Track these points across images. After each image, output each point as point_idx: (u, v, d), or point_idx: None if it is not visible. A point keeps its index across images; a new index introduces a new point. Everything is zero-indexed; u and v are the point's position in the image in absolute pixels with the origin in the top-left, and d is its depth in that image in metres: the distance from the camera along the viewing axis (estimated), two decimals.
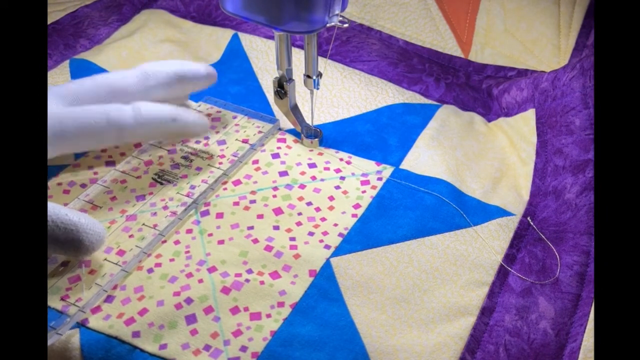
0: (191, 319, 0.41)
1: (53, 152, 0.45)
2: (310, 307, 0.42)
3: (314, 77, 0.51)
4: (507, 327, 0.42)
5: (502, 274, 0.45)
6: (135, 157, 0.52)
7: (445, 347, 0.40)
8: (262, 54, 0.64)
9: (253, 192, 0.50)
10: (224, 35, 0.66)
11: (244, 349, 0.39)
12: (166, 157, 0.52)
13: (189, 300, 0.41)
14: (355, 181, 0.51)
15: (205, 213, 0.48)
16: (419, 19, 0.66)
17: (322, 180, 0.51)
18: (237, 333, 0.40)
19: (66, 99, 0.46)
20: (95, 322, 0.40)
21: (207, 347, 0.39)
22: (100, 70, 0.61)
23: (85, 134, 0.45)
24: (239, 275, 0.43)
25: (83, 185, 0.50)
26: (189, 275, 0.43)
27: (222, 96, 0.59)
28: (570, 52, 0.61)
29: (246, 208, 0.48)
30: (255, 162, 0.53)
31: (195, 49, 0.65)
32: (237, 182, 0.51)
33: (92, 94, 0.47)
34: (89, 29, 0.66)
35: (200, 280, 0.43)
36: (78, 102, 0.47)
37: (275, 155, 0.53)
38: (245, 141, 0.54)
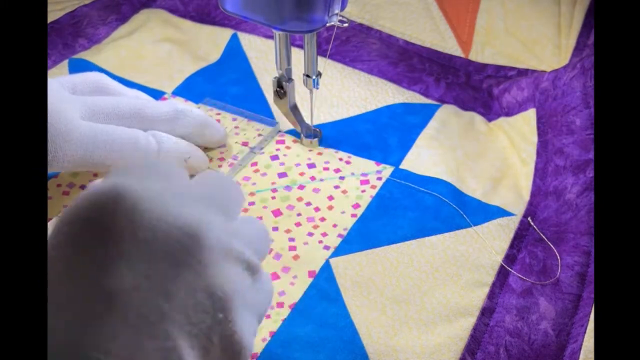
0: None
1: (74, 165, 0.43)
2: (310, 307, 0.42)
3: (314, 77, 0.51)
4: (507, 328, 0.42)
5: (502, 275, 0.45)
6: None
7: (445, 348, 0.40)
8: (262, 54, 0.64)
9: (252, 194, 0.50)
10: (223, 35, 0.66)
11: None
12: None
13: None
14: (355, 181, 0.51)
15: None
16: (419, 19, 0.66)
17: (321, 180, 0.51)
18: None
19: (89, 112, 0.44)
20: None
21: None
22: (100, 69, 0.61)
23: (113, 156, 0.43)
24: None
25: (82, 187, 0.49)
26: None
27: (221, 96, 0.59)
28: (571, 52, 0.60)
29: (244, 210, 0.48)
30: (254, 164, 0.52)
31: (195, 48, 0.65)
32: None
33: (118, 112, 0.45)
34: (88, 28, 0.65)
35: None
36: (101, 119, 0.45)
37: (274, 157, 0.53)
38: (245, 144, 0.54)
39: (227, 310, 0.27)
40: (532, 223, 0.49)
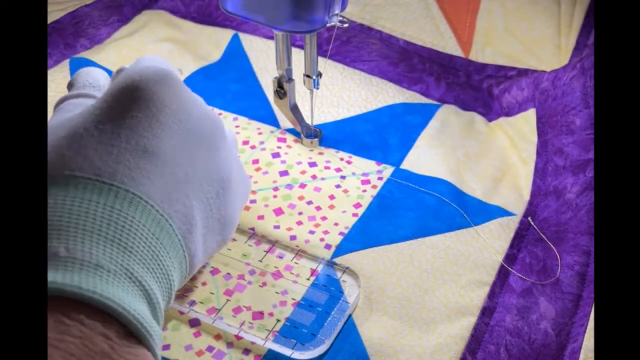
0: (194, 321, 0.41)
1: None
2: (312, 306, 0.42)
3: (314, 77, 0.51)
4: (507, 328, 0.42)
5: (502, 274, 0.45)
6: None
7: (446, 348, 0.40)
8: (262, 54, 0.64)
9: (253, 192, 0.50)
10: (224, 36, 0.66)
11: (246, 352, 0.39)
12: None
13: (192, 303, 0.41)
14: (356, 180, 0.51)
15: None
16: (420, 19, 0.66)
17: (322, 179, 0.51)
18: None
19: None
20: None
21: (210, 349, 0.39)
22: (101, 68, 0.61)
23: None
24: (241, 277, 0.43)
25: None
26: (193, 277, 0.43)
27: (222, 95, 0.59)
28: (571, 52, 0.61)
29: (246, 208, 0.48)
30: (256, 161, 0.53)
31: (196, 48, 0.65)
32: None
33: None
34: (90, 28, 0.66)
35: (204, 283, 0.43)
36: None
37: (276, 155, 0.53)
38: (245, 142, 0.54)
39: (226, 189, 0.35)
40: (532, 223, 0.49)
